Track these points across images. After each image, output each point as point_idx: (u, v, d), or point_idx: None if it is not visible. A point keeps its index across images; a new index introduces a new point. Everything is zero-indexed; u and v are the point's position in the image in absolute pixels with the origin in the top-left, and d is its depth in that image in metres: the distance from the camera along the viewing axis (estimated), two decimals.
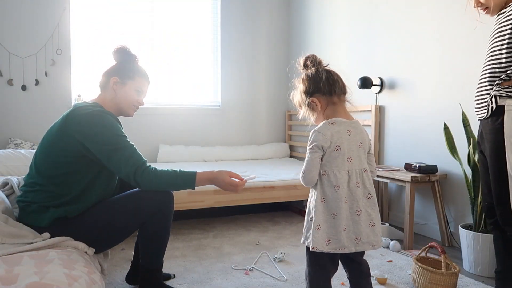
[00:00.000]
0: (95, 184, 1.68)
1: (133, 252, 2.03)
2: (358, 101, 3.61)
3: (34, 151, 2.53)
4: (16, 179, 1.99)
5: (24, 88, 3.75)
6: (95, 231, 1.64)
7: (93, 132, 1.60)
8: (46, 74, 3.82)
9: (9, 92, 3.73)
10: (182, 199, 2.78)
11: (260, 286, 1.98)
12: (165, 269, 2.18)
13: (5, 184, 1.96)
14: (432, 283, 1.87)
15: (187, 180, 1.69)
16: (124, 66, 1.84)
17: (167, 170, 1.68)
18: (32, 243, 1.47)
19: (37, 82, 3.79)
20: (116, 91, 1.78)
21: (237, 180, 1.76)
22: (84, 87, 4.03)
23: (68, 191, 1.62)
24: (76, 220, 1.63)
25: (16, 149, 3.45)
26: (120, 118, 4.07)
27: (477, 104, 1.80)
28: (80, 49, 3.99)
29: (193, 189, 1.71)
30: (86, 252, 1.54)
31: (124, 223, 1.68)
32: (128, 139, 1.67)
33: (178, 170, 1.70)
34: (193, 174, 1.70)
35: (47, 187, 1.61)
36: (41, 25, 3.79)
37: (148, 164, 1.68)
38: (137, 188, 1.71)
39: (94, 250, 1.60)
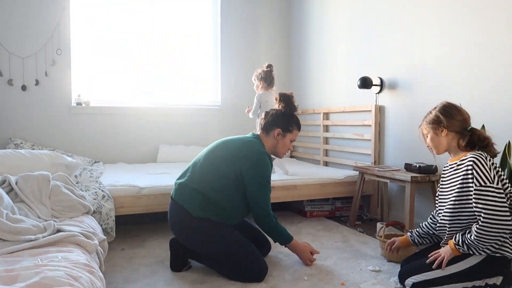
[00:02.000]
0: (235, 205, 2.15)
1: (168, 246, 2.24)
2: (358, 101, 3.61)
3: (35, 151, 2.53)
4: (14, 177, 2.00)
5: (24, 88, 3.75)
6: (206, 243, 2.08)
7: (254, 171, 2.12)
8: (46, 74, 3.82)
9: (9, 92, 3.73)
10: None
11: (260, 286, 1.98)
12: (165, 269, 2.18)
13: (3, 181, 1.97)
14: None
15: (286, 239, 2.19)
16: (288, 121, 2.27)
17: (279, 224, 2.18)
18: (32, 240, 1.47)
19: (37, 82, 3.79)
20: (278, 141, 2.27)
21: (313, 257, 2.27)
22: (84, 87, 4.03)
23: (221, 200, 2.09)
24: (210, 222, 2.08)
25: (16, 149, 3.45)
26: (117, 118, 4.07)
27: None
28: (80, 49, 3.99)
29: (283, 245, 2.23)
30: (87, 250, 1.54)
31: (220, 254, 2.07)
32: (270, 184, 2.17)
33: (283, 228, 2.19)
34: (291, 238, 2.20)
35: (206, 192, 2.09)
36: (41, 25, 3.79)
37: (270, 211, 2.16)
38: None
39: (96, 245, 1.61)
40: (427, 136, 2.00)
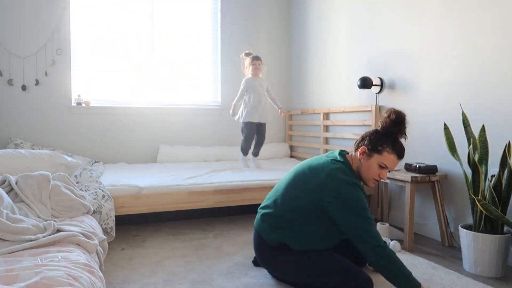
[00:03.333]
0: (317, 234, 1.86)
1: None
2: (358, 101, 3.61)
3: (35, 151, 2.53)
4: (14, 177, 2.00)
5: (24, 88, 3.75)
6: (294, 272, 1.87)
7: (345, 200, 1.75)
8: (46, 74, 3.82)
9: (9, 92, 3.73)
10: (182, 199, 2.79)
11: (260, 286, 1.98)
12: (165, 269, 2.18)
13: (3, 181, 1.97)
14: None
15: (411, 286, 1.66)
16: (380, 138, 1.85)
17: (401, 262, 1.69)
18: (32, 240, 1.47)
19: (37, 82, 3.78)
20: (362, 162, 1.87)
21: None
22: (84, 87, 4.03)
23: (298, 227, 1.86)
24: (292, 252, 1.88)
25: (16, 149, 3.45)
26: (117, 118, 4.07)
27: None
28: (80, 49, 3.99)
29: None
30: (87, 250, 1.54)
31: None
32: (369, 213, 1.75)
33: (408, 271, 1.68)
34: (418, 285, 1.67)
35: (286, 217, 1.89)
36: (41, 25, 3.79)
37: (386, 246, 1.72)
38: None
39: (96, 245, 1.61)
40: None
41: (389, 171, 1.92)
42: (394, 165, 1.86)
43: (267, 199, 2.05)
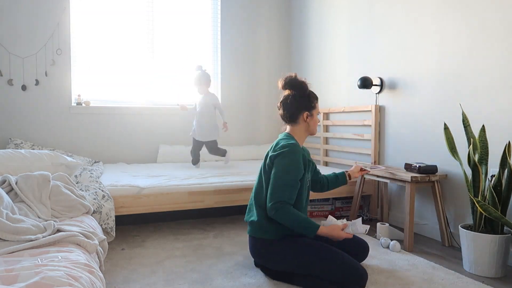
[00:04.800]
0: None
1: None
2: (358, 101, 3.61)
3: (35, 151, 2.53)
4: (14, 177, 2.00)
5: (24, 88, 3.75)
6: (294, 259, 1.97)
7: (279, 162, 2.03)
8: (46, 74, 3.82)
9: (9, 92, 3.73)
10: (182, 199, 2.79)
11: (260, 286, 1.98)
12: (165, 269, 2.18)
13: (3, 181, 1.97)
14: None
15: (311, 229, 1.94)
16: (308, 100, 2.16)
17: (299, 214, 1.96)
18: (32, 240, 1.47)
19: (37, 82, 3.78)
20: (308, 122, 2.17)
21: (347, 233, 2.00)
22: (84, 87, 4.03)
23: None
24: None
25: (16, 149, 3.45)
26: (117, 118, 4.07)
27: None
28: (80, 49, 3.99)
29: (311, 236, 1.96)
30: (87, 250, 1.54)
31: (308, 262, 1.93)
32: (295, 178, 2.00)
33: (305, 217, 1.96)
34: (317, 226, 1.95)
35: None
36: (41, 25, 3.79)
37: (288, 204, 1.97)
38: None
39: (96, 245, 1.61)
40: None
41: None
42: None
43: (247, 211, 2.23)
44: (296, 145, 2.06)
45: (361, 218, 2.10)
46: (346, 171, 2.45)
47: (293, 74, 2.19)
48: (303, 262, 1.93)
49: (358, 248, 2.17)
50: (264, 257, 2.06)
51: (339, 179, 2.43)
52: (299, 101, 2.14)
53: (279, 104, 2.20)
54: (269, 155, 2.09)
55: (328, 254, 1.90)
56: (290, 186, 1.98)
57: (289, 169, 1.99)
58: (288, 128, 2.22)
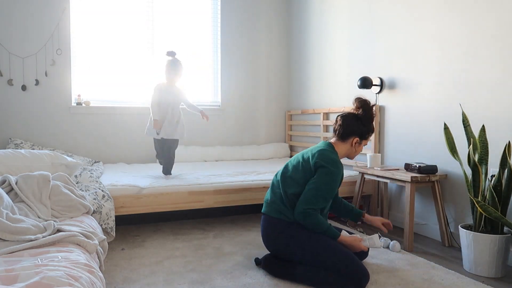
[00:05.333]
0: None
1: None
2: None
3: (35, 151, 2.53)
4: (14, 177, 2.00)
5: (24, 88, 3.75)
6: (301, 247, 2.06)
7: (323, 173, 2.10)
8: (46, 74, 3.82)
9: (9, 92, 3.73)
10: (182, 199, 2.79)
11: (260, 286, 1.98)
12: (165, 269, 2.18)
13: (3, 181, 1.97)
14: None
15: (333, 236, 2.07)
16: (367, 129, 2.23)
17: (324, 221, 2.08)
18: (32, 240, 1.47)
19: (37, 82, 3.78)
20: (355, 148, 2.25)
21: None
22: (84, 87, 4.03)
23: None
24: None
25: (16, 149, 3.45)
26: (117, 118, 4.07)
27: None
28: (80, 49, 3.99)
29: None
30: (87, 250, 1.54)
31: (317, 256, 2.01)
32: (332, 193, 2.10)
33: (329, 225, 2.08)
34: (338, 235, 2.08)
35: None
36: (41, 25, 3.79)
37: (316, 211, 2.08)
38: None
39: (96, 245, 1.61)
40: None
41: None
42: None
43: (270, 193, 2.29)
44: (340, 163, 2.15)
45: (377, 234, 2.14)
46: (364, 212, 2.43)
47: (370, 102, 2.26)
48: (315, 248, 2.00)
49: None
50: (277, 239, 2.12)
51: (354, 211, 2.42)
52: (360, 124, 2.21)
53: (338, 117, 2.25)
54: (315, 161, 2.11)
55: (338, 247, 1.99)
56: (325, 199, 2.08)
57: (330, 184, 2.08)
58: (333, 140, 2.26)
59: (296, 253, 2.06)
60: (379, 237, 2.28)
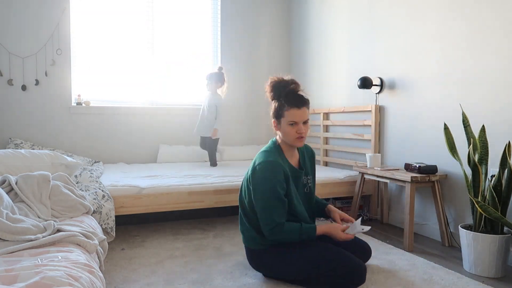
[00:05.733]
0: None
1: None
2: (358, 101, 3.61)
3: (35, 151, 2.53)
4: (14, 177, 2.00)
5: (24, 88, 3.75)
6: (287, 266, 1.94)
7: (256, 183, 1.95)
8: (46, 74, 3.82)
9: (9, 92, 3.73)
10: (182, 199, 2.79)
11: (260, 286, 1.98)
12: (165, 269, 2.18)
13: (3, 181, 1.97)
14: None
15: (309, 234, 1.92)
16: (278, 105, 1.97)
17: (293, 226, 1.92)
18: (32, 240, 1.47)
19: (37, 82, 3.78)
20: (280, 131, 1.99)
21: (349, 234, 1.96)
22: (84, 87, 4.03)
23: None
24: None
25: (16, 149, 3.45)
26: (117, 118, 4.07)
27: None
28: (80, 49, 3.99)
29: (314, 239, 1.95)
30: (87, 250, 1.54)
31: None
32: (279, 195, 1.90)
33: (301, 225, 1.92)
34: (314, 228, 1.93)
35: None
36: (41, 25, 3.79)
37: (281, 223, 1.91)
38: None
39: (96, 245, 1.61)
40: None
41: (303, 123, 1.97)
42: (301, 116, 1.94)
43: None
44: (272, 163, 1.91)
45: (360, 217, 2.10)
46: (328, 208, 2.21)
47: (281, 77, 2.01)
48: (300, 265, 1.91)
49: (360, 250, 2.15)
50: (262, 268, 2.05)
51: (320, 207, 2.24)
52: (273, 106, 2.01)
53: None
54: (248, 173, 2.00)
55: (321, 252, 1.89)
56: (276, 208, 1.90)
57: (268, 192, 1.90)
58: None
59: (286, 275, 1.97)
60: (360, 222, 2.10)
